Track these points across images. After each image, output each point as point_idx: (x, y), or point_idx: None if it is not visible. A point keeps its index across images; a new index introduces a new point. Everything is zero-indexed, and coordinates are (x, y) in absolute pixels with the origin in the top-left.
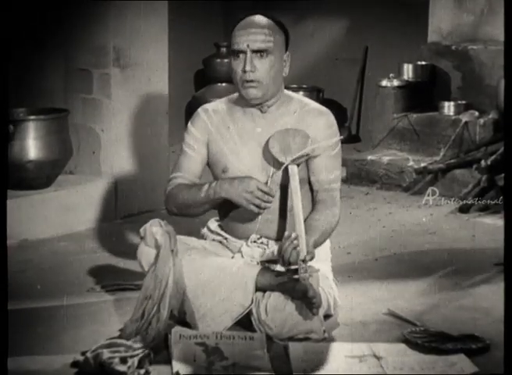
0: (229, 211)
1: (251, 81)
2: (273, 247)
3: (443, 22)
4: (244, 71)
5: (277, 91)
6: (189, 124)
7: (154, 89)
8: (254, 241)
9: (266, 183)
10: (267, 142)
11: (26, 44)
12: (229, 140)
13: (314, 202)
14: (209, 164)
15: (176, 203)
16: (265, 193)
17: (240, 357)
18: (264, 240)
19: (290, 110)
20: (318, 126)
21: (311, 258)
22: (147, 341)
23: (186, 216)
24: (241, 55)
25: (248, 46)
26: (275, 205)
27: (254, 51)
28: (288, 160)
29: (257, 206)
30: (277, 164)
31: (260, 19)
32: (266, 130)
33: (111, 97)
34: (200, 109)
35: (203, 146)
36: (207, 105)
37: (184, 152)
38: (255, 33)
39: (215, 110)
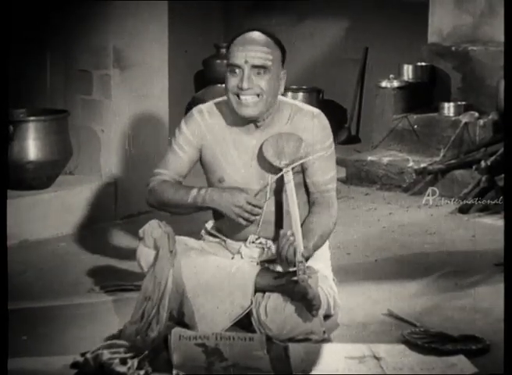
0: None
1: (247, 99)
2: (272, 246)
3: (443, 23)
4: (241, 88)
5: (271, 107)
6: (182, 124)
7: (154, 90)
8: (253, 242)
9: (262, 191)
10: (261, 148)
11: (26, 45)
12: (225, 151)
13: (310, 204)
14: (204, 171)
15: (158, 200)
16: (254, 206)
17: (240, 358)
18: (262, 240)
19: (284, 116)
20: (312, 128)
21: (309, 256)
22: (146, 342)
23: (166, 212)
24: (238, 71)
25: (246, 62)
26: (271, 208)
27: (254, 67)
28: (282, 164)
29: (246, 219)
30: (273, 171)
31: (259, 35)
32: (261, 141)
33: (111, 97)
34: (194, 110)
35: (193, 149)
36: (202, 107)
37: (173, 150)
38: (254, 49)
39: (210, 112)
